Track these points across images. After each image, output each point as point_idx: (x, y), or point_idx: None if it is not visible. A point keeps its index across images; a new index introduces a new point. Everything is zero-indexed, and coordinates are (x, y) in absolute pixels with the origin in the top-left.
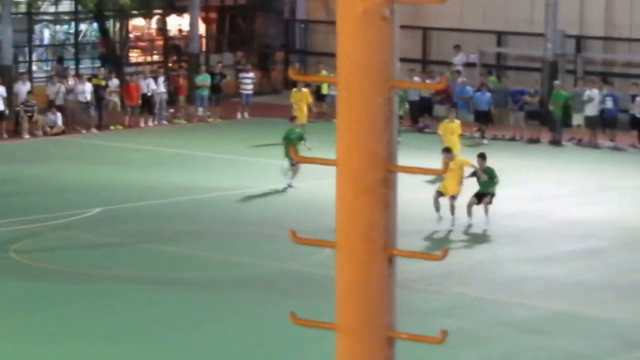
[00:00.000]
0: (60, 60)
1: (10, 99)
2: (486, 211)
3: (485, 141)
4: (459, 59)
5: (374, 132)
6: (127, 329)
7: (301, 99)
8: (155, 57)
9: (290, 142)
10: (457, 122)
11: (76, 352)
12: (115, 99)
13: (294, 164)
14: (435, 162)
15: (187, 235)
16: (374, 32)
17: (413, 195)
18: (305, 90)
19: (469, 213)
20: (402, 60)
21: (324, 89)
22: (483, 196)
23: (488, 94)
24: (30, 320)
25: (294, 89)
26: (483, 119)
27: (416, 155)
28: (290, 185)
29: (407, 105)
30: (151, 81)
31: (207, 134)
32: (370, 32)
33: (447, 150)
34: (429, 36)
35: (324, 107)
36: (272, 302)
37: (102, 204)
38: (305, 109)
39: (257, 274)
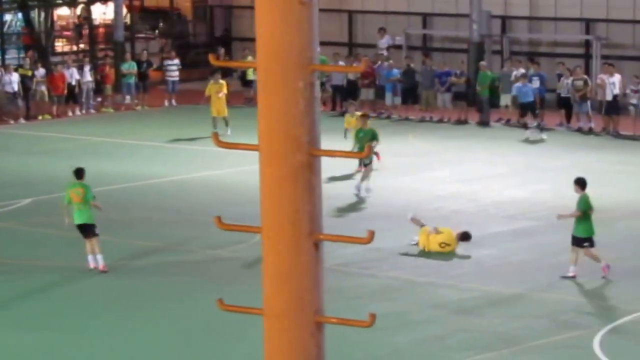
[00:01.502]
0: None
1: None
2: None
3: (544, 135)
4: (384, 41)
5: (295, 116)
6: (56, 317)
7: (219, 91)
8: (82, 46)
9: (361, 140)
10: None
11: (5, 342)
12: (42, 88)
13: (367, 163)
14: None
15: (116, 223)
16: (292, 15)
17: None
18: (222, 81)
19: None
20: (328, 44)
21: (250, 75)
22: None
23: (529, 85)
24: None
25: (211, 81)
26: (528, 110)
27: (339, 139)
28: (367, 190)
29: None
30: (75, 70)
31: (135, 122)
32: (288, 16)
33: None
34: (354, 20)
35: (250, 93)
36: (202, 289)
37: (32, 195)
38: (223, 100)
39: (187, 260)
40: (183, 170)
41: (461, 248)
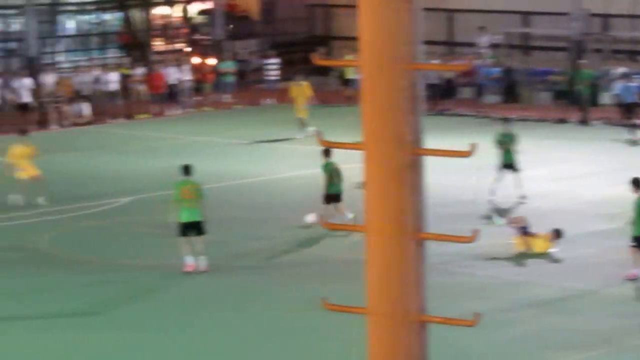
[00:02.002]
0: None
1: (36, 91)
2: None
3: None
4: (484, 40)
5: (399, 115)
6: (155, 317)
7: (300, 94)
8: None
9: (504, 144)
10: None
11: (104, 341)
12: (142, 87)
13: (514, 169)
14: (459, 144)
15: (215, 222)
16: (396, 14)
17: (440, 177)
18: (304, 83)
19: None
20: (427, 42)
21: (348, 74)
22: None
23: (633, 84)
24: (60, 310)
25: (293, 83)
26: (630, 111)
27: (439, 137)
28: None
29: None
30: (175, 69)
31: (233, 121)
32: (392, 14)
33: None
34: (453, 18)
35: (349, 91)
36: (297, 288)
37: (131, 194)
38: (304, 103)
39: (286, 259)
40: (280, 169)
41: (558, 247)
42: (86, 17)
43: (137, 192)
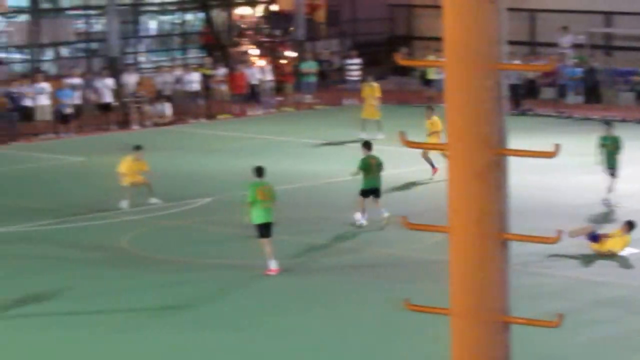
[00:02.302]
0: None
1: (118, 91)
2: None
3: None
4: (566, 40)
5: (483, 115)
6: (238, 316)
7: (371, 94)
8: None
9: (606, 147)
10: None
11: (185, 341)
12: (223, 88)
13: (613, 173)
14: (542, 144)
15: (295, 222)
16: (481, 14)
17: (522, 178)
18: (375, 84)
19: None
20: (509, 43)
21: (430, 74)
22: None
23: None
24: (139, 310)
25: (365, 83)
26: None
27: (521, 138)
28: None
29: None
30: (257, 69)
31: (314, 121)
32: (476, 15)
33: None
34: (535, 18)
35: (430, 92)
36: (378, 288)
37: (212, 194)
38: (375, 103)
39: (365, 259)
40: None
41: (637, 247)
42: (168, 17)
43: (218, 193)
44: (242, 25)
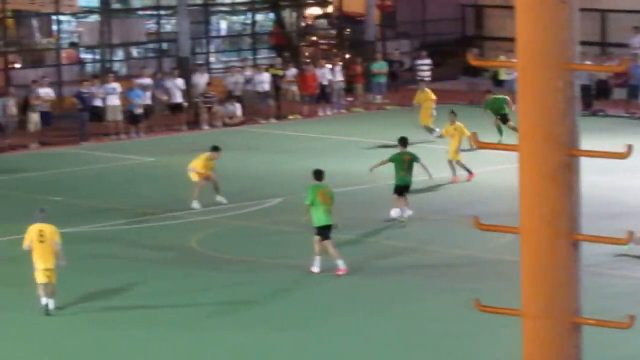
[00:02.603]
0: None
1: (189, 91)
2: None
3: None
4: (638, 40)
5: (555, 116)
6: (307, 316)
7: (425, 99)
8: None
9: None
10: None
11: (254, 341)
12: (294, 88)
13: None
14: (613, 145)
15: (365, 223)
16: (553, 15)
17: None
18: (428, 90)
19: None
20: (580, 43)
21: (502, 75)
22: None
23: None
24: (209, 309)
25: (419, 90)
26: None
27: (593, 139)
28: None
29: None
30: (327, 70)
31: (385, 122)
32: (549, 15)
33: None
34: (606, 18)
35: (503, 93)
36: (449, 288)
37: (282, 194)
38: (430, 110)
39: (434, 260)
40: (432, 171)
41: None
42: (238, 18)
43: (287, 193)
44: (312, 26)
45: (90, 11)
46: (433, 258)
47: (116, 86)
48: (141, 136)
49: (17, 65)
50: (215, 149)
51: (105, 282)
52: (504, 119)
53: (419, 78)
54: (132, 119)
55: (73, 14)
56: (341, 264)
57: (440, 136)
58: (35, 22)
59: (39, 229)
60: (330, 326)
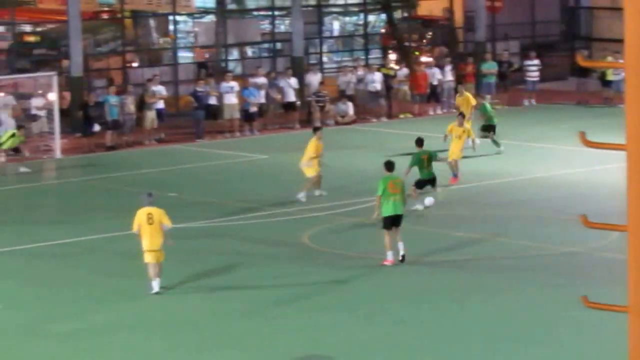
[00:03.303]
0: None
1: (301, 90)
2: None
3: None
4: None
5: None
6: (422, 313)
7: (463, 104)
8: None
9: None
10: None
11: (369, 336)
12: (405, 88)
13: None
14: None
15: (476, 220)
16: None
17: None
18: (467, 94)
19: None
20: None
21: (609, 75)
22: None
23: None
24: (315, 305)
25: (457, 94)
26: None
27: None
28: None
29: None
30: (438, 70)
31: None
32: None
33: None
34: None
35: (609, 93)
36: (558, 285)
37: None
38: (469, 113)
39: (541, 258)
40: (537, 169)
41: None
42: (350, 19)
43: None
44: (422, 26)
45: (206, 11)
46: (540, 255)
47: (234, 85)
48: (255, 134)
49: (135, 64)
50: (317, 128)
51: (217, 278)
52: (488, 129)
53: (527, 78)
54: (246, 117)
55: (189, 14)
56: (390, 256)
57: (445, 136)
58: (152, 22)
59: (147, 212)
60: (445, 322)
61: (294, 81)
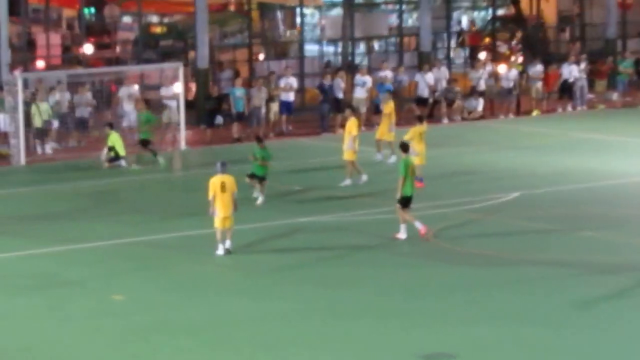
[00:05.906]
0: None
1: (430, 85)
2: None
3: None
4: None
5: None
6: (548, 312)
7: None
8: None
9: None
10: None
11: (497, 334)
12: (538, 85)
13: None
14: None
15: (600, 219)
16: None
17: None
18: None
19: None
20: None
21: None
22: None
23: None
24: (442, 302)
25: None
26: None
27: None
28: None
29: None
30: (574, 67)
31: (627, 119)
32: None
33: None
34: None
35: None
36: None
37: (518, 189)
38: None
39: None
40: None
41: None
42: (479, 14)
43: (525, 188)
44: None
45: (333, 5)
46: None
47: (367, 79)
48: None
49: (261, 57)
50: (419, 118)
51: (338, 273)
52: None
53: None
54: (375, 110)
55: (316, 7)
56: (402, 229)
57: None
58: (279, 15)
59: (221, 180)
60: (580, 321)
61: (430, 77)
